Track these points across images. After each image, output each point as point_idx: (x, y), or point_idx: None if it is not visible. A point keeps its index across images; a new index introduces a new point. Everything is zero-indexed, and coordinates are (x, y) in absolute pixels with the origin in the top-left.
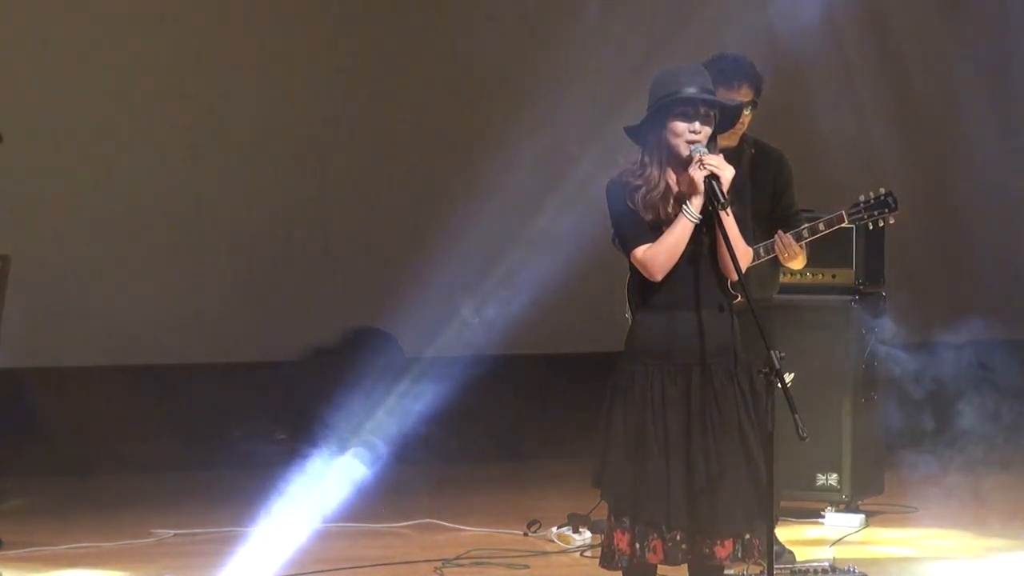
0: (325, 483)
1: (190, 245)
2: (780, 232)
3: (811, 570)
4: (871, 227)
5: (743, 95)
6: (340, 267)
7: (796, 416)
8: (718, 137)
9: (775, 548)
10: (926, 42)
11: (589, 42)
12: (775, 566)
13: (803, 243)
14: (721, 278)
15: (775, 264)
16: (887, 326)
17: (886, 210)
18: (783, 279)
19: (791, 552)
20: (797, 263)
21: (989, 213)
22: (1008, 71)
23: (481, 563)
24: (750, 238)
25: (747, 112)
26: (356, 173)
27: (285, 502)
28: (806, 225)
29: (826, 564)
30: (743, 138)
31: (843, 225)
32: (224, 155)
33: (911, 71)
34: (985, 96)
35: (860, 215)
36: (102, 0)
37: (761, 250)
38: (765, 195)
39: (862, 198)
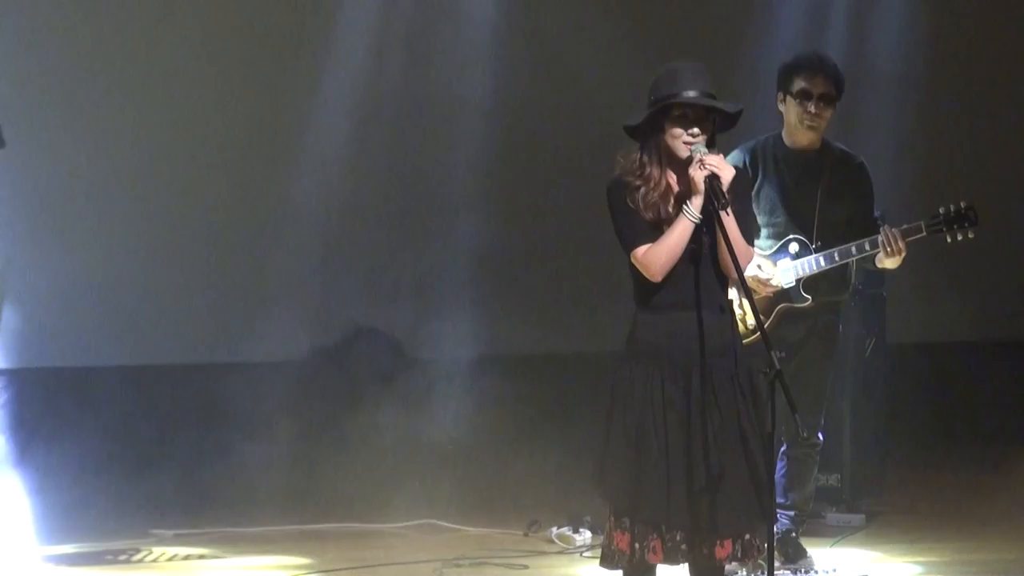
0: None
1: (189, 244)
2: (887, 227)
3: (813, 571)
4: (949, 240)
5: (818, 86)
6: (341, 267)
7: (796, 416)
8: (795, 133)
9: (795, 550)
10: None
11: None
12: (793, 566)
13: (905, 241)
14: (721, 278)
15: (847, 266)
16: (886, 326)
17: (966, 224)
18: None
19: (810, 556)
20: (894, 262)
21: (991, 212)
22: None
23: (481, 563)
24: (751, 238)
25: (815, 106)
26: (361, 171)
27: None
28: (882, 231)
29: (828, 566)
30: (825, 143)
31: (920, 236)
32: (224, 155)
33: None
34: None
35: (939, 227)
36: (101, 2)
37: (867, 244)
38: (842, 202)
39: (942, 210)
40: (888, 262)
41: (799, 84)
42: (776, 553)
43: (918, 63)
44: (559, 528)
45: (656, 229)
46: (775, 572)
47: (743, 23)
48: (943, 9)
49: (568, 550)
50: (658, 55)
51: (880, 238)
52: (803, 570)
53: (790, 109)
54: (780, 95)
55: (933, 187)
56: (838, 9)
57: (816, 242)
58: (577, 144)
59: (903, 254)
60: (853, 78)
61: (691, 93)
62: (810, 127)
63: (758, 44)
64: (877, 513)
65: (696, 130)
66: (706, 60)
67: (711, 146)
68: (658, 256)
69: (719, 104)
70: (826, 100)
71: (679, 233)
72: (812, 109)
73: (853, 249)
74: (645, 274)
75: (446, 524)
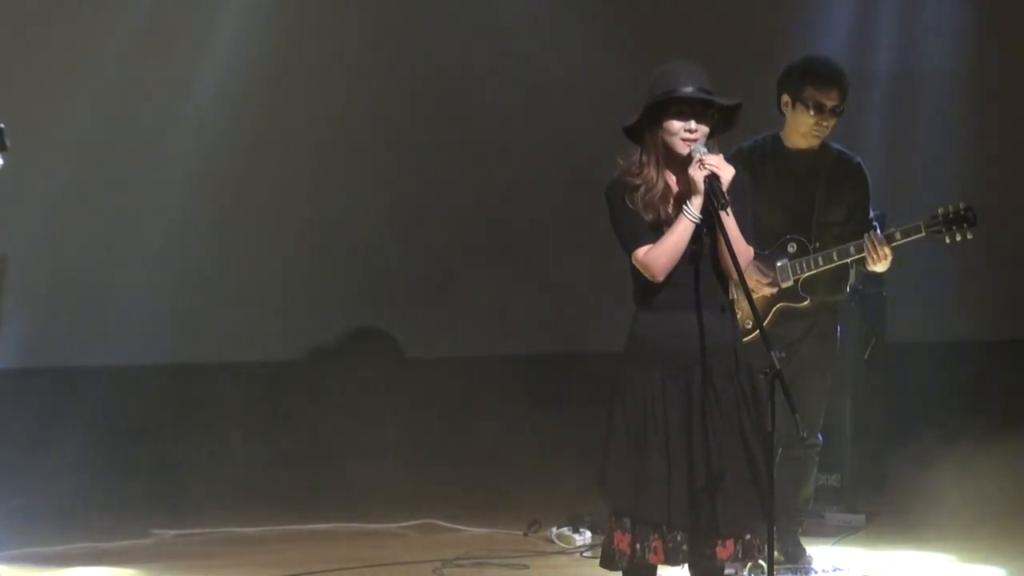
0: None
1: (190, 244)
2: (870, 233)
3: (813, 571)
4: (948, 241)
5: (832, 99)
6: (340, 267)
7: (796, 416)
8: (798, 139)
9: (795, 550)
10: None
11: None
12: (793, 566)
13: (890, 247)
14: (722, 278)
15: (845, 266)
16: (887, 326)
17: (965, 225)
18: None
19: (810, 556)
20: (882, 266)
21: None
22: None
23: (481, 563)
24: (751, 238)
25: (826, 119)
26: (358, 172)
27: None
28: (865, 237)
29: (828, 565)
30: (824, 145)
31: (919, 236)
32: (225, 156)
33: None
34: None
35: (938, 228)
36: (101, 4)
37: (852, 248)
38: (840, 203)
39: (940, 211)
40: (876, 266)
41: (813, 95)
42: (776, 553)
43: (943, 63)
44: (559, 528)
45: (656, 230)
46: (775, 572)
47: (787, 23)
48: (982, 8)
49: (568, 550)
50: (682, 52)
51: (864, 243)
52: (803, 570)
53: (799, 116)
54: (786, 98)
55: (956, 185)
56: (847, 8)
57: (814, 243)
58: (580, 143)
59: (888, 259)
60: (881, 78)
61: (688, 89)
62: (818, 136)
63: (792, 45)
64: (877, 513)
65: (693, 124)
66: (727, 60)
67: (710, 141)
68: (659, 257)
69: (715, 98)
70: (837, 112)
71: (679, 233)
72: (825, 123)
73: (852, 249)
74: (646, 275)
75: (446, 524)
